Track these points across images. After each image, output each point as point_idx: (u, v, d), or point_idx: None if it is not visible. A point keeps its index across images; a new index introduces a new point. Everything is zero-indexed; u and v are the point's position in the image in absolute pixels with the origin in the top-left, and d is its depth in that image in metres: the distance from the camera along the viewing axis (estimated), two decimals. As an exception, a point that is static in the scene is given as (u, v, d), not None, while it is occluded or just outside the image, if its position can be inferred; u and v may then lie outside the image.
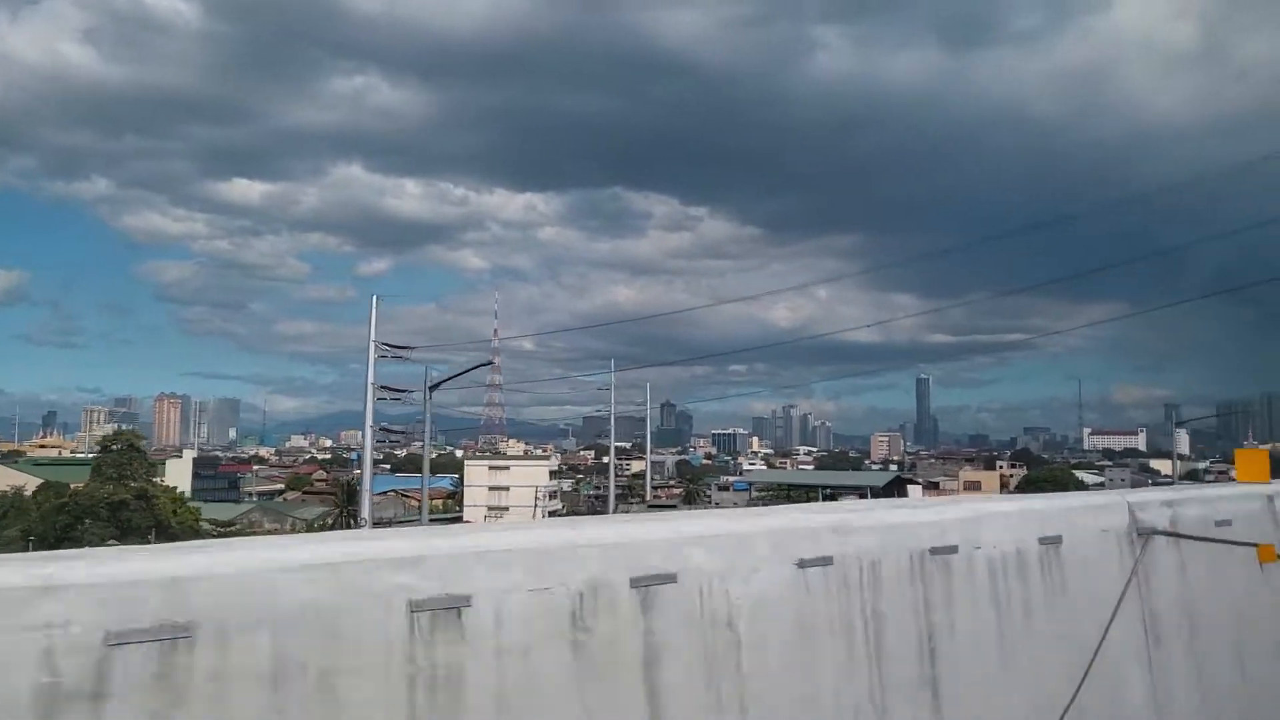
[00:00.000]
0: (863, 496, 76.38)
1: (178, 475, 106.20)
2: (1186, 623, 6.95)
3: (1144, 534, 6.75)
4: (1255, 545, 7.30)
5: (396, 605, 4.03)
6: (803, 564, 5.18)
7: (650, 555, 4.80)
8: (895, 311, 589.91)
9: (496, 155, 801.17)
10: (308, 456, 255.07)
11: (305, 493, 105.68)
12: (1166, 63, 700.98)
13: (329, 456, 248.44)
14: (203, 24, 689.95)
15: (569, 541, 4.66)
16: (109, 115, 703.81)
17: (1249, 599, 7.39)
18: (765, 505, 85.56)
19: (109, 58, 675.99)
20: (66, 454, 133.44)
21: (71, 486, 56.44)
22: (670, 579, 4.76)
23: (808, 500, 75.31)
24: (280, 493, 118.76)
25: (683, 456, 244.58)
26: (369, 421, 47.39)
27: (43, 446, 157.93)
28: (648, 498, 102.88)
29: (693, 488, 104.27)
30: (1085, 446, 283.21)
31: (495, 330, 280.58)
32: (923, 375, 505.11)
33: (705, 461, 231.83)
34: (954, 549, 5.80)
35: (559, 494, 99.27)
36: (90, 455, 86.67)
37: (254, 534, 72.13)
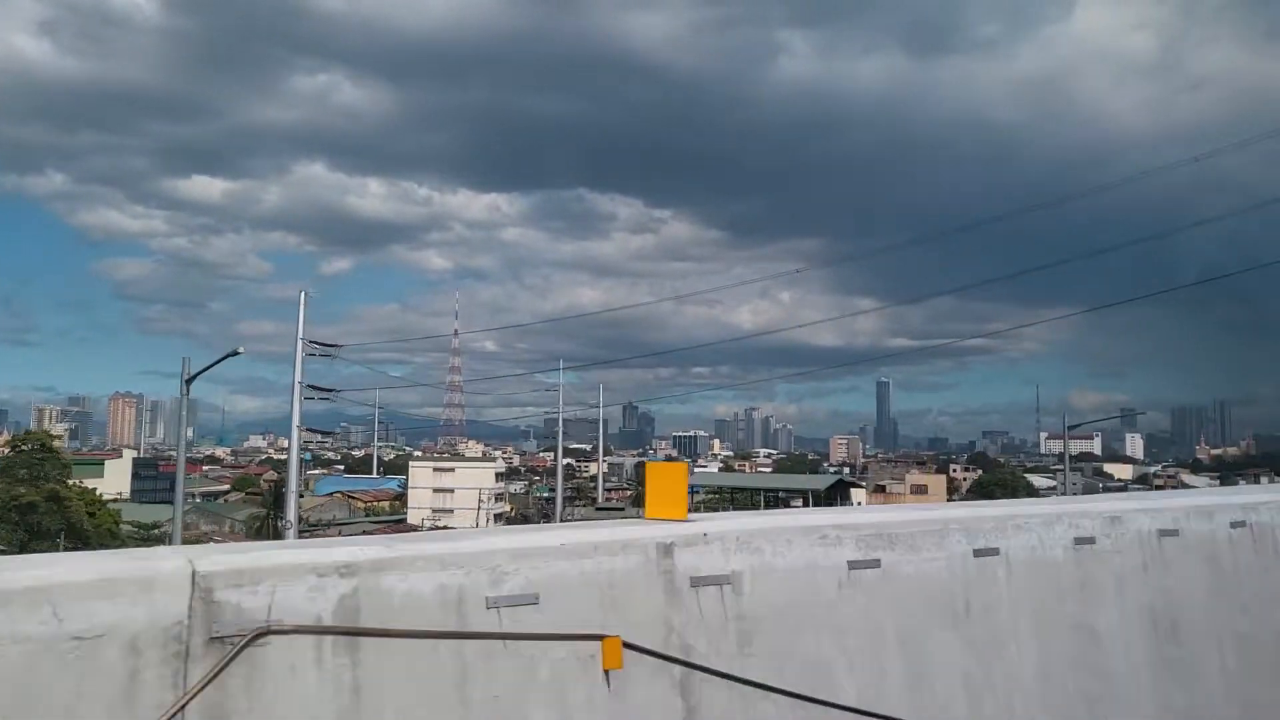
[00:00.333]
0: (805, 502, 76.20)
1: (116, 476, 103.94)
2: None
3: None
4: None
5: None
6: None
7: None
8: (857, 318, 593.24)
9: (461, 155, 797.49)
10: (264, 457, 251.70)
11: (248, 494, 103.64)
12: (1125, 72, 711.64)
13: (285, 457, 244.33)
14: (162, 19, 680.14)
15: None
16: (65, 109, 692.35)
17: None
18: (704, 510, 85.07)
19: (66, 51, 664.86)
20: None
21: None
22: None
23: (752, 504, 74.88)
24: (225, 493, 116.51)
25: (642, 458, 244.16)
26: (295, 422, 46.24)
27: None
28: (600, 500, 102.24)
29: (641, 490, 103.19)
30: (1042, 450, 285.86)
31: (455, 330, 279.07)
32: (883, 379, 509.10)
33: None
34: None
35: (506, 496, 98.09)
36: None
37: (189, 536, 70.29)
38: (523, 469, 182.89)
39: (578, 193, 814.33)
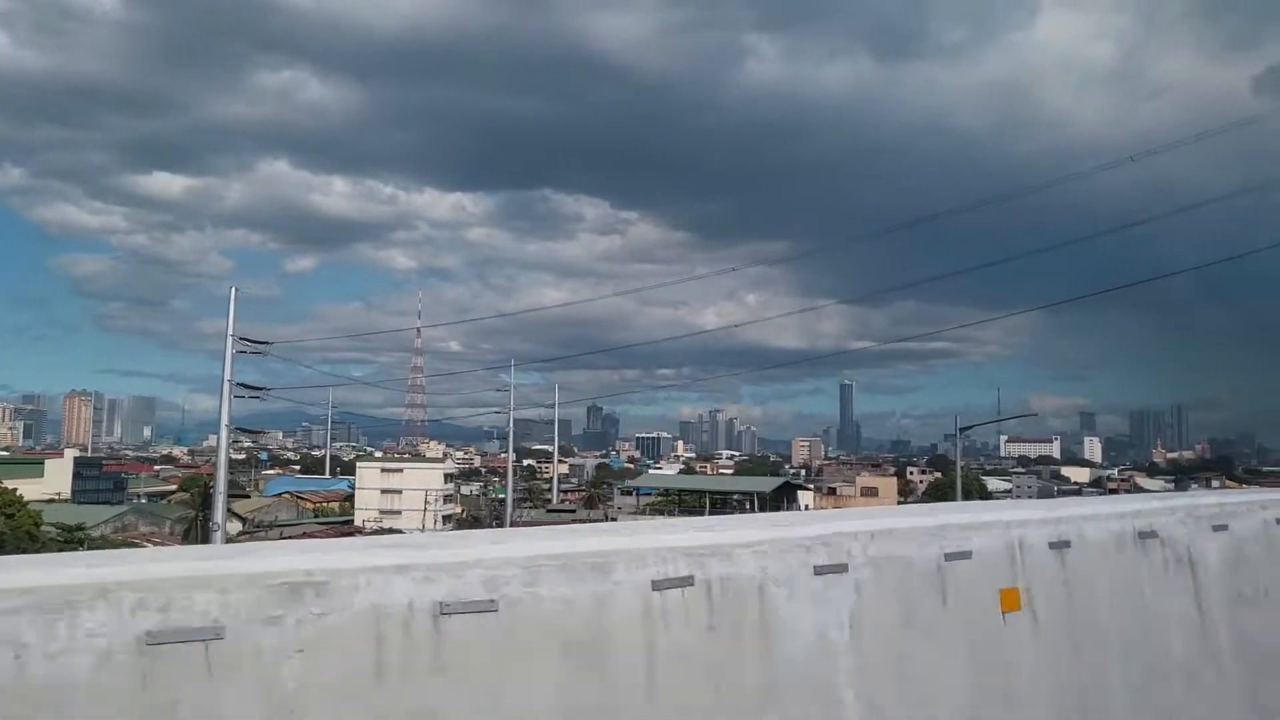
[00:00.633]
0: (752, 505, 75.83)
1: (58, 475, 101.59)
2: None
3: None
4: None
5: None
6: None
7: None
8: (821, 319, 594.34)
9: (426, 154, 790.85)
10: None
11: (193, 493, 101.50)
12: (1087, 80, 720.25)
13: (244, 457, 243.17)
14: (123, 13, 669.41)
15: None
16: (23, 103, 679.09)
17: None
18: (659, 514, 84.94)
19: (23, 43, 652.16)
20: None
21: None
22: None
23: (698, 507, 74.48)
24: (172, 494, 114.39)
25: (604, 460, 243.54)
26: (224, 421, 44.95)
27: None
28: (554, 502, 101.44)
29: (594, 492, 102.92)
30: (1002, 454, 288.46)
31: (418, 330, 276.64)
32: (846, 381, 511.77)
33: (627, 465, 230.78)
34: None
35: (456, 498, 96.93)
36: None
37: (125, 538, 68.67)
38: (483, 469, 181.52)
39: (543, 193, 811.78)
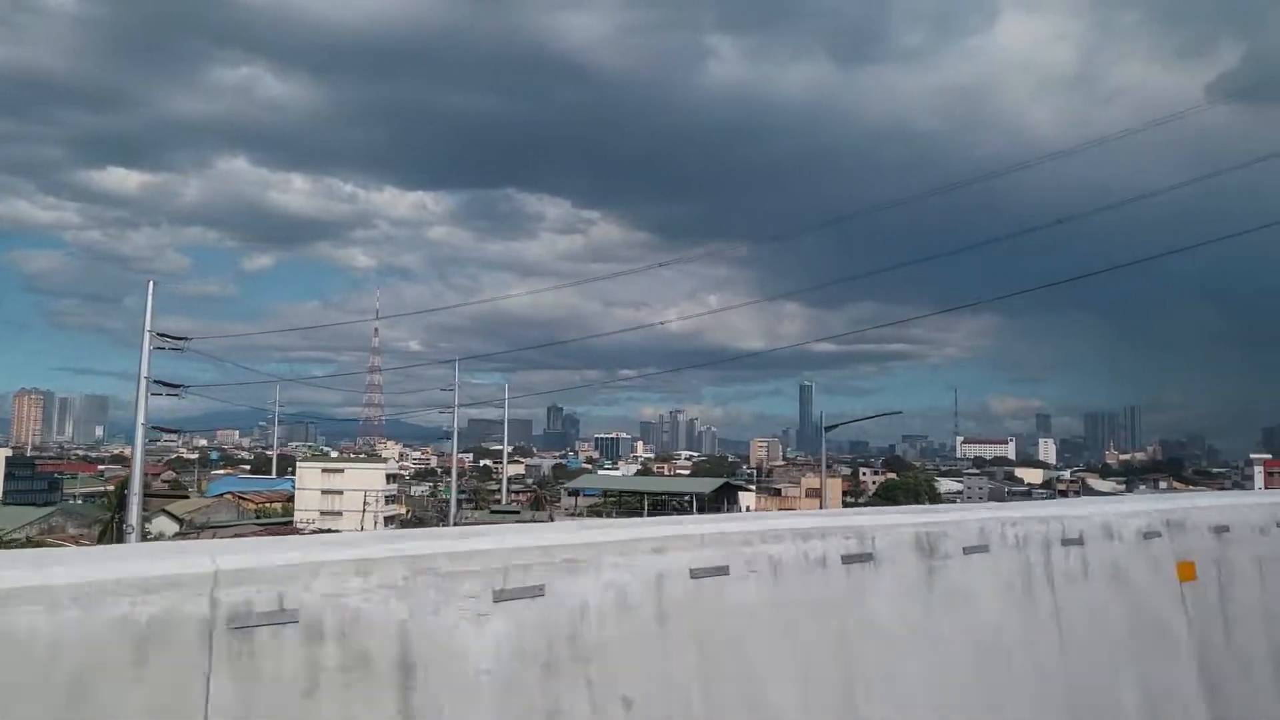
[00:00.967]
0: (692, 506, 75.38)
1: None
2: None
3: None
4: None
5: None
6: None
7: None
8: (783, 321, 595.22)
9: (387, 152, 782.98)
10: (173, 456, 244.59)
11: (129, 493, 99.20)
12: (1044, 84, 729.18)
13: (196, 456, 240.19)
14: (78, 6, 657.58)
15: None
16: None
17: None
18: (595, 515, 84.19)
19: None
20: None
21: None
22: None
23: (638, 509, 73.82)
24: (107, 495, 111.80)
25: (561, 460, 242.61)
26: (141, 419, 43.54)
27: None
28: (503, 502, 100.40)
29: (539, 494, 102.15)
30: (958, 455, 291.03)
31: (375, 330, 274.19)
32: (806, 382, 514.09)
33: (585, 465, 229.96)
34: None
35: (401, 498, 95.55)
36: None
37: (50, 540, 66.68)
38: (439, 469, 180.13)
39: (505, 192, 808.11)
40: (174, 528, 76.23)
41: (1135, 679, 5.77)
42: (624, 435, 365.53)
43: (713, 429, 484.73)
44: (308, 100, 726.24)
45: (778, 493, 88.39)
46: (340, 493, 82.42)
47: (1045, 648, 5.45)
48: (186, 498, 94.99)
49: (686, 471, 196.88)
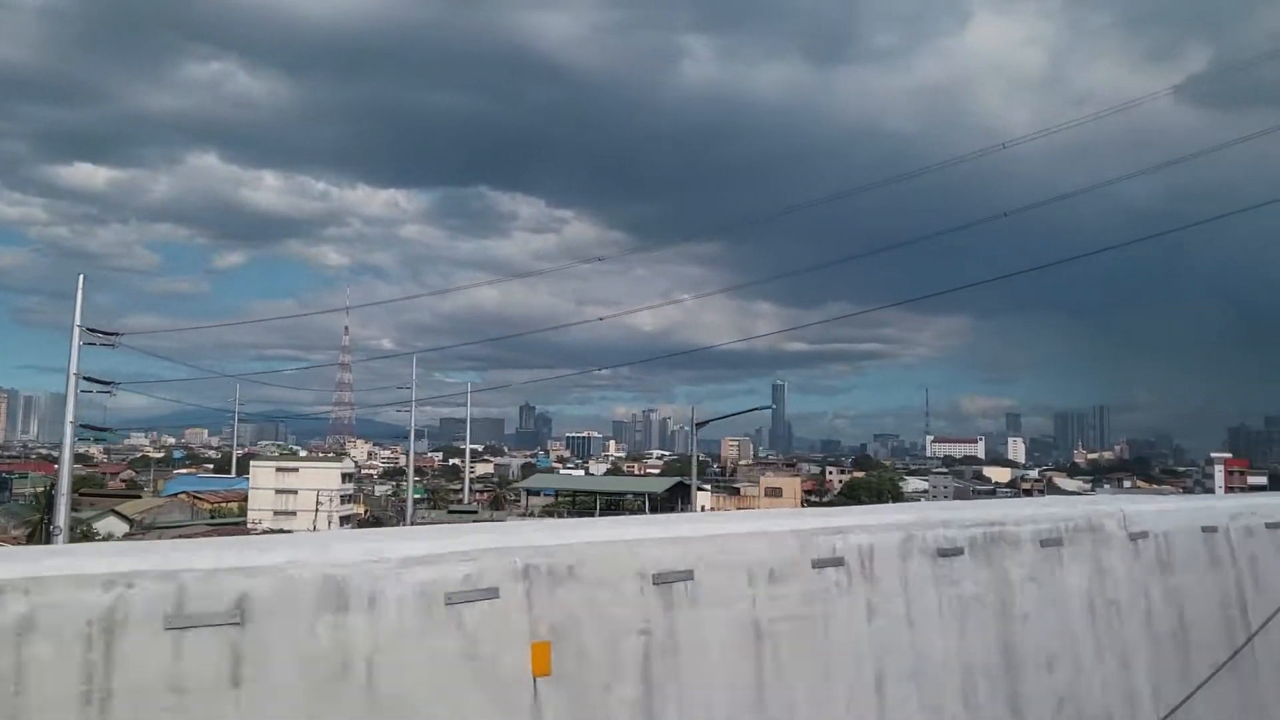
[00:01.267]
0: (644, 506, 74.77)
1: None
2: None
3: None
4: None
5: None
6: None
7: None
8: (756, 320, 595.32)
9: (359, 149, 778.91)
10: (137, 456, 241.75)
11: (81, 494, 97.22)
12: (1015, 85, 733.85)
13: (162, 455, 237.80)
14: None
15: None
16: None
17: None
18: (550, 515, 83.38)
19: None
20: None
21: None
22: None
23: (593, 508, 73.13)
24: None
25: (532, 459, 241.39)
26: (70, 417, 42.43)
27: None
28: (465, 502, 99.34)
29: (499, 493, 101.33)
30: (928, 454, 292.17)
31: (346, 327, 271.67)
32: (779, 382, 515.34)
33: (555, 465, 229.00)
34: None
35: (359, 498, 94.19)
36: None
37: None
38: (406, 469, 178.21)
39: (478, 190, 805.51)
40: (124, 528, 74.72)
41: None
42: (596, 434, 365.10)
43: (685, 428, 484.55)
44: (280, 97, 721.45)
45: (736, 492, 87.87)
46: (295, 492, 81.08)
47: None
48: (139, 497, 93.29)
49: (657, 471, 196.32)
